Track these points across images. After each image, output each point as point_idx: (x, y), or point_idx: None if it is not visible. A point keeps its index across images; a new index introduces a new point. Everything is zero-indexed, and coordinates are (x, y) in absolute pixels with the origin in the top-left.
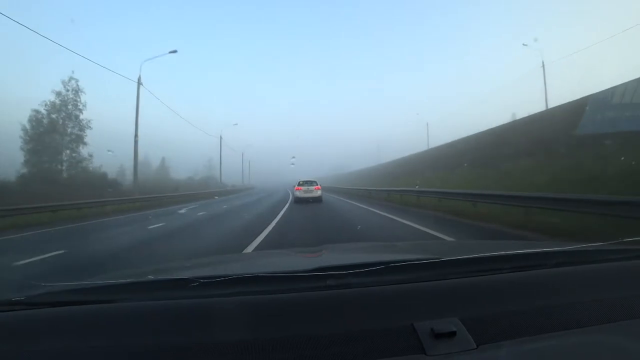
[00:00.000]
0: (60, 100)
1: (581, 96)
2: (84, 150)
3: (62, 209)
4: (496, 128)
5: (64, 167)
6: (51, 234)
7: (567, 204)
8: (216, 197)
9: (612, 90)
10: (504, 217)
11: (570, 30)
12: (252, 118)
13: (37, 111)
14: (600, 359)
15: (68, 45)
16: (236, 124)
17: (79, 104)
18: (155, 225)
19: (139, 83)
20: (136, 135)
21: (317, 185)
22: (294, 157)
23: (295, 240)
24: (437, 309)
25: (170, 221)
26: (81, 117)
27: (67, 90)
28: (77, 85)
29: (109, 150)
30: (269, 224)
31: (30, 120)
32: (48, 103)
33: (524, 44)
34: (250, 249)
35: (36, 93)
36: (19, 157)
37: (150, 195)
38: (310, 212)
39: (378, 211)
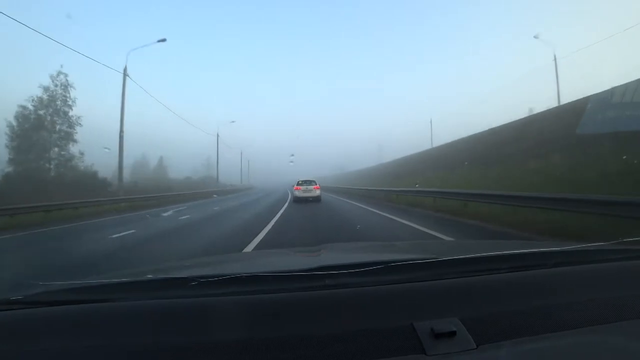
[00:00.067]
0: (49, 96)
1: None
2: (74, 148)
3: (33, 212)
4: (497, 127)
5: (51, 166)
6: None
7: (567, 204)
8: (215, 196)
9: (612, 91)
10: (504, 217)
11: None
12: (251, 118)
13: (23, 107)
14: (600, 359)
15: (65, 43)
16: (234, 121)
17: (68, 99)
18: (121, 234)
19: (125, 74)
20: (121, 131)
21: (316, 185)
22: (292, 155)
23: (294, 240)
24: (436, 309)
25: (144, 227)
26: (70, 113)
27: (56, 86)
28: (67, 80)
29: (105, 148)
30: (263, 228)
31: (16, 117)
32: (35, 98)
33: (535, 37)
34: (249, 249)
35: (22, 88)
36: (4, 155)
37: (138, 195)
38: (309, 211)
39: (377, 211)
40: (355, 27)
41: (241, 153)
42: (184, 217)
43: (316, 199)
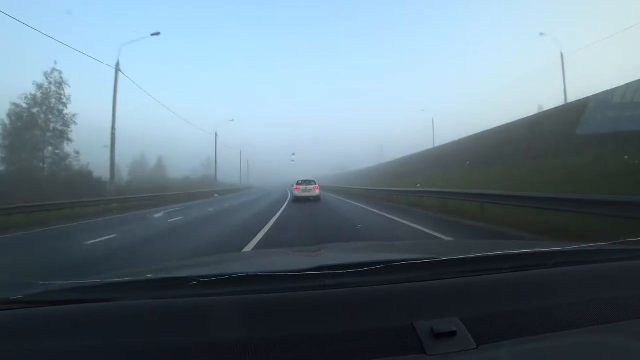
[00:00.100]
0: (42, 94)
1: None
2: (69, 147)
3: (12, 213)
4: (499, 127)
5: (45, 165)
6: None
7: (568, 204)
8: (216, 195)
9: (613, 91)
10: (505, 217)
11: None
12: (252, 118)
13: (16, 105)
14: (600, 359)
15: (60, 42)
16: (232, 120)
17: (62, 97)
18: (99, 239)
19: (117, 69)
20: (113, 128)
21: (316, 184)
22: (294, 154)
23: (293, 240)
24: (436, 309)
25: (127, 232)
26: (65, 111)
27: (50, 83)
28: (61, 77)
29: (105, 147)
30: (261, 230)
31: (9, 115)
32: (29, 96)
33: (540, 34)
34: (248, 249)
35: (15, 86)
36: None
37: (130, 196)
38: (309, 211)
39: (377, 211)
40: (355, 27)
41: (240, 152)
42: (174, 220)
43: (316, 199)
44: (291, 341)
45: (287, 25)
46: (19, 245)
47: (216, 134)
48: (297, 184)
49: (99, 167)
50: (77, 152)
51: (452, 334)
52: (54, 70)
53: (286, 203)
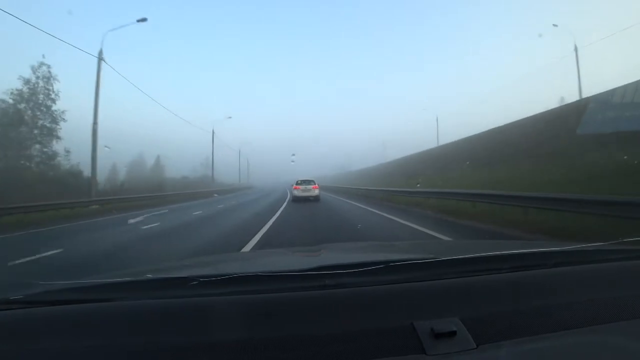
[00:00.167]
0: (29, 89)
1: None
2: (58, 146)
3: None
4: (502, 126)
5: (32, 164)
6: None
7: (567, 204)
8: (216, 195)
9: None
10: (505, 218)
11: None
12: (252, 118)
13: (1, 100)
14: (600, 359)
15: (54, 41)
16: (230, 117)
17: (51, 92)
18: (40, 255)
19: (100, 58)
20: (95, 123)
21: (315, 184)
22: (294, 154)
23: (293, 240)
24: (436, 309)
25: (82, 243)
26: (54, 107)
27: (38, 78)
28: (49, 71)
29: (106, 147)
30: (258, 231)
31: None
32: (15, 91)
33: (554, 25)
34: (247, 249)
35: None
36: None
37: (117, 196)
38: (308, 211)
39: (377, 211)
40: (355, 27)
41: (239, 152)
42: (150, 226)
43: (315, 198)
44: (291, 341)
45: (287, 25)
46: None
47: (213, 132)
48: (297, 183)
49: (89, 165)
50: (68, 151)
51: (452, 334)
52: (42, 64)
53: (285, 203)
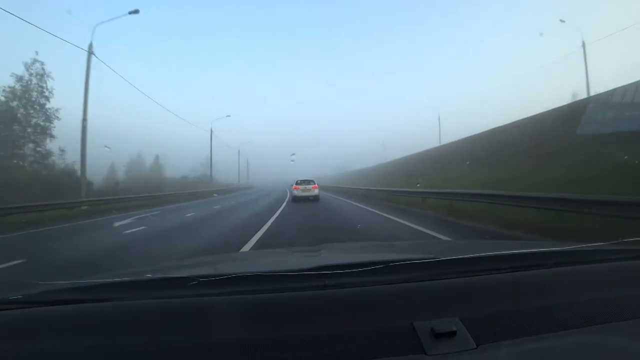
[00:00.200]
0: (22, 86)
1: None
2: (52, 145)
3: None
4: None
5: (25, 164)
6: None
7: (567, 204)
8: (215, 195)
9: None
10: (505, 217)
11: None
12: (252, 118)
13: None
14: (600, 359)
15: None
16: (229, 116)
17: (44, 90)
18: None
19: (90, 52)
20: (84, 119)
21: (315, 184)
22: (293, 154)
23: (293, 240)
24: (436, 309)
25: (50, 251)
26: (47, 105)
27: (31, 75)
28: (43, 68)
29: (106, 146)
30: (254, 234)
31: None
32: (7, 89)
33: (561, 20)
34: (248, 247)
35: None
36: None
37: (104, 198)
38: (308, 211)
39: (377, 211)
40: (355, 27)
41: (239, 151)
42: (132, 231)
43: (315, 198)
44: (291, 341)
45: (287, 25)
46: None
47: (211, 130)
48: (297, 183)
49: (95, 167)
50: (63, 150)
51: (452, 334)
52: (35, 61)
53: (285, 203)
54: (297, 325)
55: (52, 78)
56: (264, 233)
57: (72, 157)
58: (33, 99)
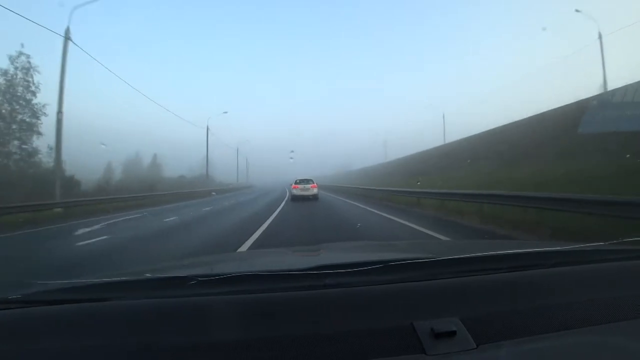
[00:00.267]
0: (7, 80)
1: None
2: (39, 142)
3: None
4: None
5: (10, 162)
6: None
7: (567, 204)
8: (214, 194)
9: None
10: (505, 217)
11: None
12: (252, 118)
13: None
14: (600, 359)
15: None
16: (226, 112)
17: (31, 85)
18: None
19: (67, 37)
20: (59, 112)
21: (314, 183)
22: (292, 152)
23: (292, 240)
24: (436, 309)
25: None
26: (34, 101)
27: (16, 69)
28: (29, 62)
29: (102, 144)
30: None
31: None
32: None
33: (576, 10)
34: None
35: None
36: None
37: (83, 198)
38: (307, 211)
39: (376, 211)
40: (355, 27)
41: (237, 149)
42: (88, 242)
43: (314, 197)
44: (291, 341)
45: (287, 25)
46: None
47: (207, 128)
48: (296, 182)
49: (92, 167)
50: (51, 148)
51: (452, 333)
52: (20, 54)
53: (284, 202)
54: (296, 325)
55: (38, 72)
56: (262, 233)
57: (62, 155)
58: (18, 94)
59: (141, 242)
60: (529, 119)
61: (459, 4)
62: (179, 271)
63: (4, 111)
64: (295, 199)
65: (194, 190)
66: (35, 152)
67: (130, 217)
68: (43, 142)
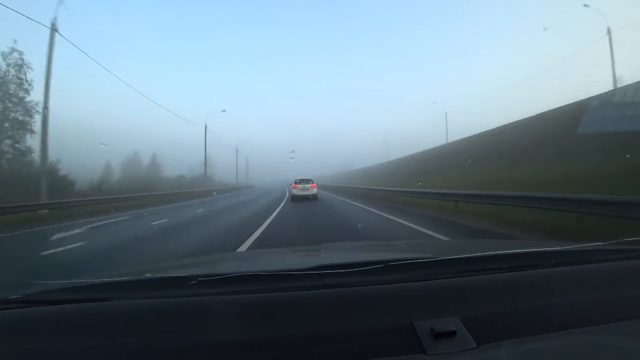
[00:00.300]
0: None
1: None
2: (33, 140)
3: None
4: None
5: (2, 161)
6: None
7: (567, 204)
8: (214, 194)
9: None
10: (505, 217)
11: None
12: (252, 118)
13: None
14: (600, 359)
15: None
16: (224, 110)
17: (24, 82)
18: None
19: (54, 29)
20: (45, 107)
21: (313, 183)
22: (293, 152)
23: (292, 240)
24: (436, 309)
25: None
26: (27, 99)
27: (9, 65)
28: (22, 59)
29: (102, 144)
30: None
31: None
32: None
33: (585, 5)
34: (244, 247)
35: None
36: None
37: (74, 199)
38: (307, 210)
39: (376, 211)
40: (355, 27)
41: (237, 149)
42: (59, 250)
43: (313, 197)
44: (291, 341)
45: (287, 25)
46: None
47: (205, 126)
48: (295, 182)
49: (89, 167)
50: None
51: (452, 333)
52: (13, 50)
53: (283, 202)
54: (296, 325)
55: (31, 69)
56: (262, 233)
57: (57, 155)
58: (11, 91)
59: (120, 252)
60: (530, 119)
61: (459, 3)
62: (179, 271)
63: None
64: (295, 198)
65: (193, 190)
66: (28, 151)
67: (119, 219)
68: (37, 141)
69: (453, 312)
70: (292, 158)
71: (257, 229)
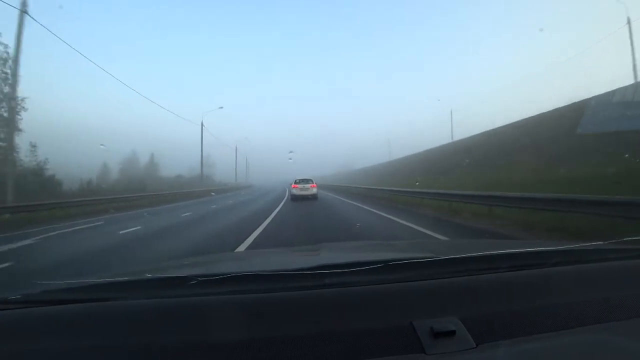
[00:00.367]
0: None
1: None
2: (19, 139)
3: None
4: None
5: None
6: None
7: (561, 204)
8: (213, 194)
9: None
10: (504, 217)
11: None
12: (252, 118)
13: None
14: (599, 359)
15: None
16: (221, 107)
17: (8, 76)
18: None
19: (23, 10)
20: (12, 98)
21: (313, 183)
22: (291, 152)
23: (291, 239)
24: (436, 308)
25: None
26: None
27: None
28: (7, 52)
29: (101, 145)
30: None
31: None
32: None
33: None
34: (242, 248)
35: None
36: None
37: (47, 201)
38: (306, 210)
39: (376, 210)
40: (355, 27)
41: (236, 148)
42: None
43: (313, 197)
44: (291, 340)
45: (287, 24)
46: None
47: (202, 124)
48: (295, 182)
49: (88, 167)
50: (34, 145)
51: (452, 333)
52: None
53: (283, 202)
54: (296, 325)
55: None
56: (261, 233)
57: (45, 154)
58: None
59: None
60: (530, 119)
61: (460, 3)
62: (179, 271)
63: None
64: (294, 198)
65: (191, 190)
66: (12, 150)
67: (92, 224)
68: (24, 139)
69: (452, 311)
70: (290, 159)
71: (256, 229)
